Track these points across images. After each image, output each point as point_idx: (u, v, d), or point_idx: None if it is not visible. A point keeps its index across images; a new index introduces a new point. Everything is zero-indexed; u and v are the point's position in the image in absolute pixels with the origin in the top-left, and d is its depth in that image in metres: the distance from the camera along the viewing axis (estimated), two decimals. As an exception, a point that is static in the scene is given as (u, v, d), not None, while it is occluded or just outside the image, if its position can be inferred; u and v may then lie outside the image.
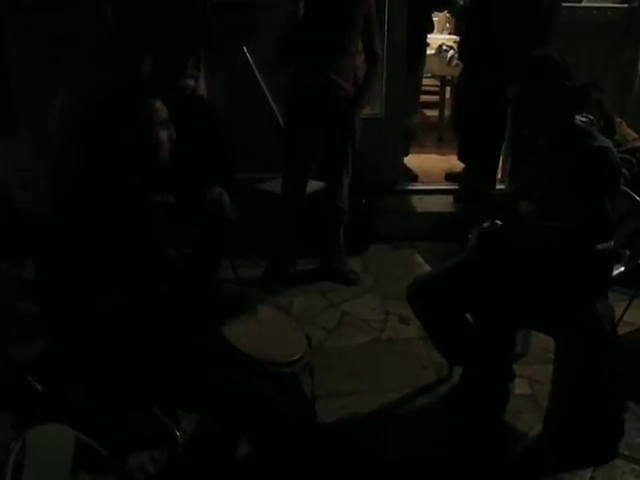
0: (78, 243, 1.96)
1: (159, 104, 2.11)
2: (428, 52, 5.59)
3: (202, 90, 3.99)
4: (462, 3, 5.17)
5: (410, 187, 5.09)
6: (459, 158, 5.24)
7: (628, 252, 3.15)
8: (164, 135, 2.11)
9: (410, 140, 5.41)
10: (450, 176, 5.27)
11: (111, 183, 2.06)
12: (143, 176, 2.12)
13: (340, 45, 3.70)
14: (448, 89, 6.52)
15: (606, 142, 2.55)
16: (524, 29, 4.22)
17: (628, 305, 3.16)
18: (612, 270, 2.86)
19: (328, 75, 3.71)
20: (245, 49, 4.44)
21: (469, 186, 4.70)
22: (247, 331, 2.26)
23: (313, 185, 4.11)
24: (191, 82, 3.81)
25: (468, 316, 2.85)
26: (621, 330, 2.97)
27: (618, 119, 4.03)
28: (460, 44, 5.17)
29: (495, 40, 4.30)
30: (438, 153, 6.03)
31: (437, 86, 6.77)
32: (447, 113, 6.44)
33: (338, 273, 4.16)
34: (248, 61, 4.45)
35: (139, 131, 2.05)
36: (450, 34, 6.77)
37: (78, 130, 2.10)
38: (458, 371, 2.98)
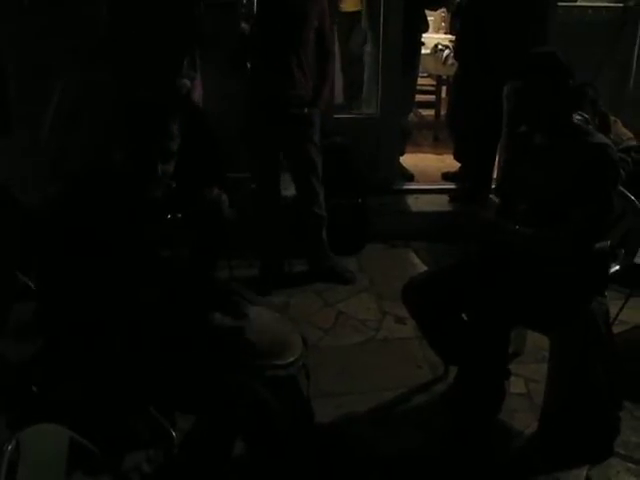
0: (76, 244, 1.96)
1: None
2: (424, 52, 5.59)
3: (198, 91, 3.99)
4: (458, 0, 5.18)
5: (406, 186, 5.08)
6: (455, 157, 5.24)
7: (623, 251, 3.15)
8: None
9: (405, 139, 5.41)
10: (446, 175, 5.30)
11: (109, 187, 2.06)
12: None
13: (295, 44, 3.67)
14: (444, 88, 6.53)
15: (604, 139, 2.56)
16: (518, 28, 4.23)
17: (624, 304, 3.18)
18: (609, 269, 2.87)
19: (291, 72, 3.68)
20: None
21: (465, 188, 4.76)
22: (243, 332, 2.26)
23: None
24: (187, 82, 3.81)
25: (463, 315, 2.86)
26: (616, 329, 2.98)
27: (613, 118, 4.03)
28: (455, 43, 5.17)
29: (489, 39, 4.31)
30: (434, 152, 6.03)
31: (433, 85, 6.78)
32: (443, 112, 6.45)
33: (332, 273, 4.14)
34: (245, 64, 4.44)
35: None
36: (446, 33, 6.76)
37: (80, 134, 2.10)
38: (453, 370, 2.98)
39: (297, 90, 3.72)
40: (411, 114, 5.83)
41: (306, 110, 3.77)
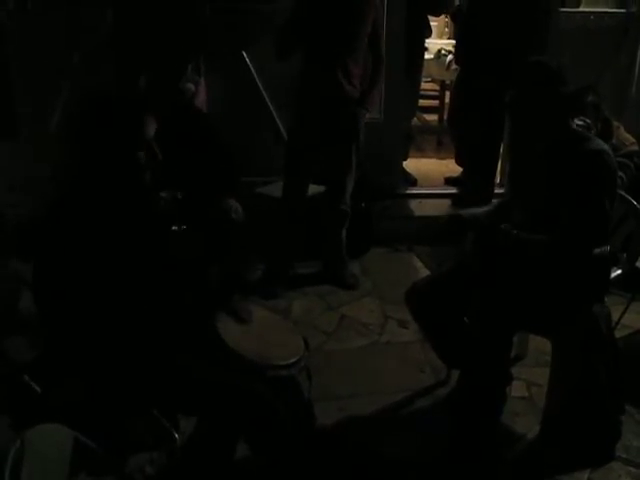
0: (77, 244, 1.97)
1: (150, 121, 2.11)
2: (427, 57, 5.61)
3: (202, 95, 4.01)
4: (458, 3, 5.19)
5: (409, 191, 5.09)
6: (456, 161, 5.25)
7: (625, 255, 3.16)
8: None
9: (409, 144, 5.42)
10: (449, 180, 5.31)
11: (109, 185, 2.07)
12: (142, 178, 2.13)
13: (347, 47, 3.70)
14: (447, 93, 6.54)
15: (603, 145, 2.56)
16: (519, 32, 4.24)
17: (626, 308, 3.17)
18: (610, 273, 2.87)
19: (335, 76, 3.71)
20: (244, 54, 4.46)
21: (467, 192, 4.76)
22: (245, 334, 2.27)
23: (313, 189, 4.12)
24: (192, 86, 3.83)
25: (466, 319, 2.87)
26: (619, 333, 2.98)
27: (616, 123, 4.04)
28: (456, 47, 5.18)
29: (490, 43, 4.32)
30: (437, 157, 6.05)
31: (436, 90, 6.79)
32: (446, 117, 6.46)
33: (337, 276, 4.16)
34: (248, 66, 4.47)
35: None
36: (449, 39, 6.78)
37: (74, 131, 2.10)
38: (456, 374, 2.98)
39: (347, 91, 3.75)
40: (414, 119, 5.84)
41: (355, 110, 3.81)
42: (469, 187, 4.88)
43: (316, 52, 3.73)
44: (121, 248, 2.01)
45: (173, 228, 2.31)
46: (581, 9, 4.96)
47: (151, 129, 2.10)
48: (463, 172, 5.15)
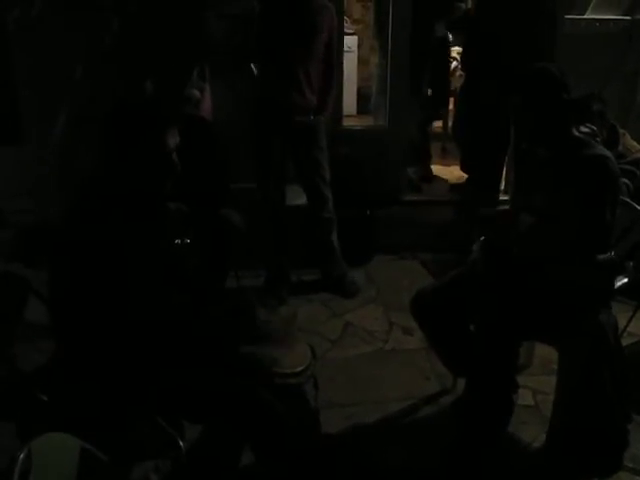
0: (94, 253, 1.97)
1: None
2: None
3: (207, 101, 4.02)
4: (464, 8, 5.19)
5: (414, 198, 5.09)
6: (462, 168, 5.25)
7: (631, 263, 3.15)
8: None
9: (415, 151, 5.42)
10: (454, 187, 5.30)
11: (131, 194, 2.07)
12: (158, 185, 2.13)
13: (304, 56, 3.73)
14: (452, 100, 6.53)
15: (604, 151, 2.55)
16: (525, 39, 4.24)
17: (632, 316, 3.16)
18: (615, 281, 2.86)
19: (298, 82, 3.74)
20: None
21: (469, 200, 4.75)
22: (252, 342, 2.27)
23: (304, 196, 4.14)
24: (197, 93, 3.84)
25: (471, 327, 2.86)
26: (625, 341, 2.97)
27: (621, 130, 4.03)
28: (462, 53, 5.18)
29: (496, 49, 4.32)
30: (442, 164, 6.04)
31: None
32: (451, 124, 6.46)
33: (337, 284, 4.16)
34: (252, 72, 4.47)
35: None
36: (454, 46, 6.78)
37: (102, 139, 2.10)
38: (461, 382, 2.98)
39: (303, 99, 3.78)
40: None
41: (312, 118, 3.85)
42: (474, 194, 4.88)
43: (272, 61, 3.76)
44: (134, 258, 2.01)
45: (176, 241, 2.31)
46: (586, 16, 4.95)
47: (174, 140, 2.11)
48: (468, 179, 5.14)
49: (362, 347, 3.61)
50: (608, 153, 2.54)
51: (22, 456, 1.47)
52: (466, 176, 5.19)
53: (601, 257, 2.54)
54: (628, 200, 3.11)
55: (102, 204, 2.04)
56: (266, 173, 3.92)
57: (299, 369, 2.26)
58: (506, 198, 4.52)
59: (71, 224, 2.06)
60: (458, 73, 5.94)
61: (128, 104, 2.14)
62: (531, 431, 2.88)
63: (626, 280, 3.11)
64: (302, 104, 3.79)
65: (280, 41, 3.70)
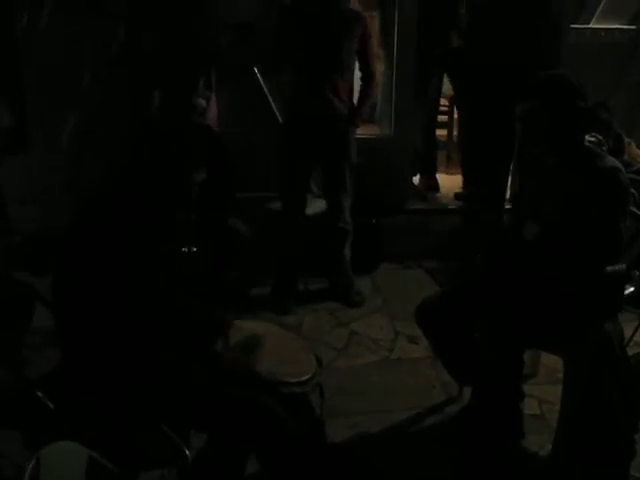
0: (97, 258, 1.98)
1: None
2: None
3: (213, 110, 4.03)
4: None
5: (419, 206, 5.09)
6: (464, 177, 5.24)
7: (638, 272, 3.14)
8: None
9: (420, 160, 5.42)
10: (459, 195, 5.30)
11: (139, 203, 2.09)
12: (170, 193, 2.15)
13: (335, 64, 3.73)
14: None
15: (615, 163, 2.55)
16: (530, 48, 4.25)
17: (638, 325, 3.16)
18: (623, 291, 2.86)
19: (323, 94, 3.73)
20: (255, 69, 4.48)
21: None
22: (257, 350, 2.27)
23: (320, 204, 4.13)
24: (203, 102, 3.85)
25: (476, 335, 2.86)
26: (631, 350, 2.96)
27: (627, 139, 4.04)
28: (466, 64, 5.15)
29: (501, 58, 4.32)
30: (447, 172, 6.03)
31: (446, 106, 6.78)
32: (456, 132, 6.45)
33: (343, 294, 4.16)
34: (258, 81, 4.48)
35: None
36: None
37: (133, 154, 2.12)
38: (467, 391, 2.98)
39: (334, 110, 3.77)
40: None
41: (343, 128, 3.84)
42: (478, 203, 4.88)
43: (304, 70, 3.76)
44: (140, 266, 2.01)
45: (183, 249, 2.32)
46: (592, 25, 4.97)
47: (199, 177, 2.16)
48: (471, 187, 5.14)
49: (368, 356, 3.61)
50: (619, 165, 2.54)
51: (31, 465, 1.48)
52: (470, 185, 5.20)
53: (610, 268, 2.54)
54: (635, 210, 3.11)
55: (110, 212, 2.05)
56: (291, 184, 3.92)
57: (305, 378, 2.26)
58: (510, 207, 4.53)
59: (78, 230, 2.07)
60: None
61: (171, 133, 2.16)
62: (537, 440, 2.87)
63: (632, 289, 3.10)
64: (332, 115, 3.78)
65: (309, 51, 3.70)
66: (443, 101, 6.83)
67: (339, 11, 3.73)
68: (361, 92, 3.92)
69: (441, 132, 6.80)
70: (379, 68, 5.30)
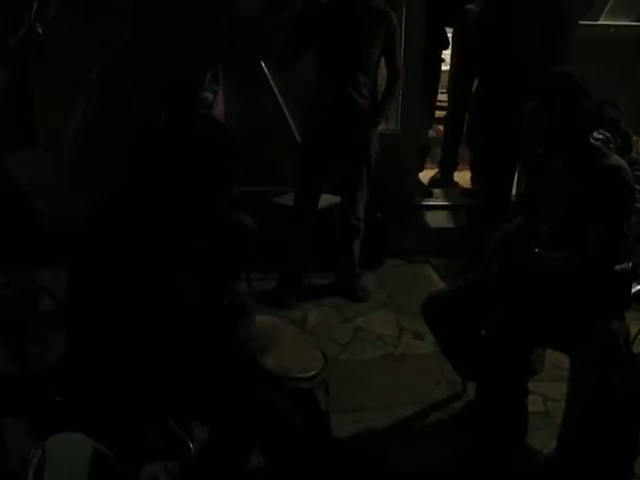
0: (111, 250, 1.99)
1: None
2: (444, 68, 5.60)
3: (220, 104, 4.03)
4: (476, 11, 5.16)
5: (425, 202, 5.09)
6: (472, 174, 5.23)
7: (644, 270, 3.13)
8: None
9: (425, 155, 5.42)
10: (466, 192, 5.29)
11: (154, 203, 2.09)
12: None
13: (360, 62, 3.71)
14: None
15: (620, 161, 2.54)
16: (539, 44, 4.24)
17: (644, 324, 3.15)
18: (630, 289, 2.85)
19: (348, 91, 3.72)
20: (263, 64, 4.47)
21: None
22: (264, 345, 2.27)
23: (328, 199, 4.12)
24: (210, 96, 3.85)
25: (483, 332, 2.86)
26: (636, 348, 2.96)
27: (635, 137, 4.02)
28: (476, 59, 5.14)
29: (510, 55, 4.31)
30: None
31: (445, 102, 6.74)
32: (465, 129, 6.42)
33: (348, 288, 4.14)
34: (265, 76, 4.48)
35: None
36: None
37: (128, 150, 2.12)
38: (472, 387, 2.98)
39: (360, 106, 3.76)
40: (431, 130, 5.84)
41: (367, 125, 3.83)
42: (485, 200, 4.87)
43: (329, 67, 3.75)
44: (154, 258, 2.02)
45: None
46: (600, 21, 4.94)
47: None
48: (479, 184, 5.14)
49: (372, 352, 3.60)
50: (623, 163, 2.53)
51: (36, 456, 1.48)
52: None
53: (617, 267, 2.53)
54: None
55: (127, 204, 2.06)
56: (307, 180, 3.91)
57: (311, 374, 2.26)
58: (517, 206, 4.52)
59: (96, 223, 2.08)
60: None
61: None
62: (541, 438, 2.87)
63: (638, 287, 3.09)
64: (358, 111, 3.77)
65: (332, 46, 3.68)
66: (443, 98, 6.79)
67: (366, 7, 3.69)
68: (386, 89, 3.88)
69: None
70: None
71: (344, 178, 4.01)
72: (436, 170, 5.44)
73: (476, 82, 5.08)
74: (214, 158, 2.12)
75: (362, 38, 3.68)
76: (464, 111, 5.20)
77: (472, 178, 5.27)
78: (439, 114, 5.94)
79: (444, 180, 5.34)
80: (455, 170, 5.40)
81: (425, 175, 5.37)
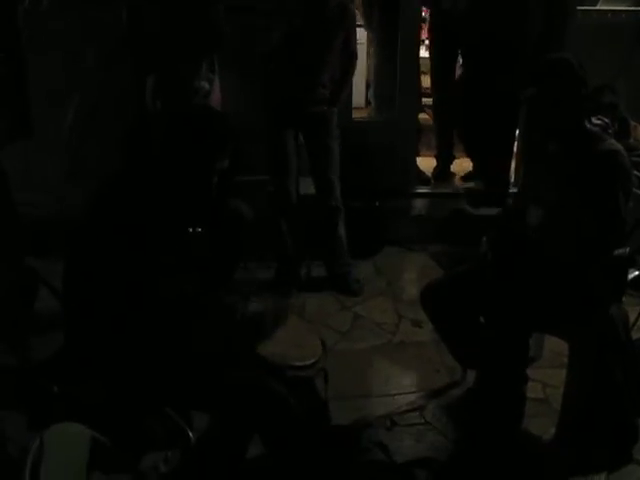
0: (106, 239, 1.98)
1: None
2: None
3: (216, 93, 4.01)
4: None
5: (423, 190, 5.08)
6: (468, 154, 5.18)
7: (642, 256, 3.13)
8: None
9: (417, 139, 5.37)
10: (463, 178, 5.29)
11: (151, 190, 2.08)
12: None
13: (321, 53, 3.73)
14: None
15: (616, 145, 2.53)
16: (535, 29, 4.22)
17: (642, 309, 3.16)
18: (627, 275, 2.85)
19: (304, 77, 3.73)
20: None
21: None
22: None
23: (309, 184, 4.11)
24: (206, 84, 3.83)
25: (481, 319, 2.86)
26: (635, 334, 2.96)
27: (633, 122, 4.01)
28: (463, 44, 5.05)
29: (506, 40, 4.29)
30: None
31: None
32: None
33: (342, 281, 4.10)
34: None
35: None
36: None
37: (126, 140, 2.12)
38: (471, 375, 2.98)
39: (317, 91, 3.78)
40: (422, 114, 5.78)
41: (325, 109, 3.84)
42: (482, 185, 4.87)
43: (285, 59, 3.74)
44: (149, 246, 2.02)
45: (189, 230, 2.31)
46: (599, 7, 4.92)
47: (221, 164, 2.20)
48: (475, 168, 5.11)
49: (371, 339, 3.60)
50: (619, 147, 2.52)
51: (34, 446, 1.48)
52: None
53: (614, 251, 2.53)
54: (639, 192, 3.09)
55: (121, 193, 2.05)
56: (280, 166, 3.91)
57: (310, 362, 2.26)
58: (514, 190, 4.52)
59: (94, 213, 2.07)
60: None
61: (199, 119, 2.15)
62: (540, 424, 2.87)
63: (637, 273, 3.10)
64: (316, 96, 3.79)
65: (296, 36, 3.67)
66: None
67: (327, 7, 3.70)
68: (342, 73, 3.89)
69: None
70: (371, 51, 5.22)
71: (314, 163, 3.98)
72: (432, 156, 5.41)
73: (459, 65, 5.04)
74: (200, 125, 2.13)
75: (323, 38, 3.71)
76: (449, 96, 5.13)
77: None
78: (426, 101, 5.86)
79: (443, 173, 5.32)
80: (452, 162, 5.37)
81: (421, 162, 5.35)
